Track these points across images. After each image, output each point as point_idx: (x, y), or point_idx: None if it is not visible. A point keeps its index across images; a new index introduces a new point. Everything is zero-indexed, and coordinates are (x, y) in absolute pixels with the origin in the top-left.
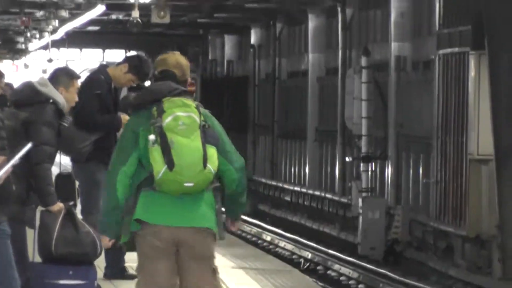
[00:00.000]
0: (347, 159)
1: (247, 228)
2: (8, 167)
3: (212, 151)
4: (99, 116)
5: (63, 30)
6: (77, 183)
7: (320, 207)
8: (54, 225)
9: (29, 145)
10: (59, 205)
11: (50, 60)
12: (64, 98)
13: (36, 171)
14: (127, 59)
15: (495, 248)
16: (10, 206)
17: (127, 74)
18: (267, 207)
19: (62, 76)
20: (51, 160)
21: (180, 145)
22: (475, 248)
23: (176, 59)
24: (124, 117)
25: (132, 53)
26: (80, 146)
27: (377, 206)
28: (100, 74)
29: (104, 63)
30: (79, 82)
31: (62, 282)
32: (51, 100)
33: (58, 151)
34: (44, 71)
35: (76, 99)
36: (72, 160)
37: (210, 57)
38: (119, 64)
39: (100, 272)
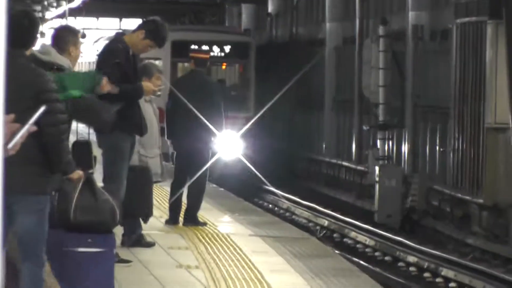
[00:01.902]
0: (364, 127)
1: (264, 195)
2: (23, 131)
3: None
4: (120, 86)
5: None
6: (98, 151)
7: (337, 175)
8: (73, 193)
9: (42, 108)
10: (78, 173)
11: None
12: (74, 57)
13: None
14: (143, 25)
15: None
16: (56, 177)
17: (144, 40)
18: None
19: (68, 35)
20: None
21: None
22: (492, 217)
23: None
24: (146, 85)
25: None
26: (104, 116)
27: (393, 174)
28: (117, 43)
29: (121, 31)
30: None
31: (80, 249)
32: (55, 67)
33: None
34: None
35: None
36: (96, 130)
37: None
38: (135, 30)
39: (118, 240)
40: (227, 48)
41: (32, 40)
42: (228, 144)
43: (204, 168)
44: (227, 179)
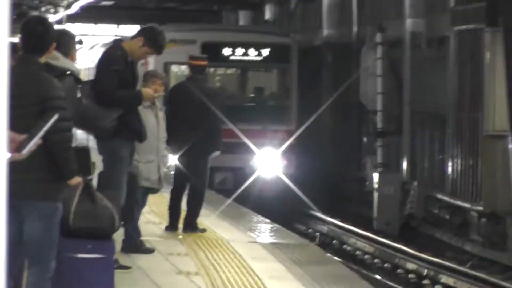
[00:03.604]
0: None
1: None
2: (36, 139)
3: None
4: (119, 92)
5: (77, 5)
6: (97, 157)
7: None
8: (72, 199)
9: (55, 117)
10: (77, 179)
11: None
12: (74, 61)
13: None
14: (142, 32)
15: (510, 224)
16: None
17: (143, 47)
18: None
19: (70, 40)
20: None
21: None
22: (490, 224)
23: None
24: (145, 90)
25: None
26: (104, 123)
27: (392, 181)
28: (116, 50)
29: (119, 37)
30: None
31: (80, 255)
32: (68, 72)
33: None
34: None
35: None
36: (96, 136)
37: None
38: (134, 37)
39: (117, 246)
40: (265, 51)
41: (46, 46)
42: (267, 161)
43: (204, 174)
44: (265, 200)
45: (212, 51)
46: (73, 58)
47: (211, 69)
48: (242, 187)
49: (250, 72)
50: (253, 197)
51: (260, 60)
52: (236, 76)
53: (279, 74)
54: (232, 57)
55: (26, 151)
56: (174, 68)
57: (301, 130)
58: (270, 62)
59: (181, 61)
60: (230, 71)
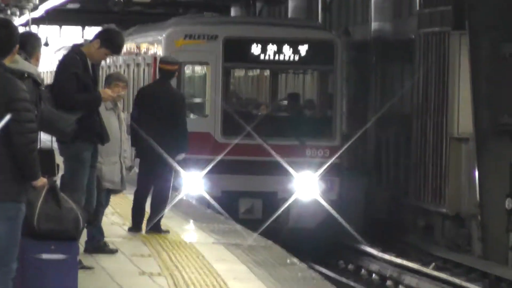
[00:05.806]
0: None
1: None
2: None
3: None
4: (78, 95)
5: (43, 8)
6: (60, 159)
7: None
8: (37, 200)
9: (7, 117)
10: (42, 180)
11: None
12: (38, 62)
13: None
14: (98, 35)
15: (475, 226)
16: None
17: (100, 49)
18: None
19: (36, 40)
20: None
21: None
22: (454, 226)
23: None
24: (104, 91)
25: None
26: (64, 126)
27: (358, 184)
28: (74, 54)
29: (79, 42)
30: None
31: (44, 256)
32: (25, 75)
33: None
34: None
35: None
36: (58, 140)
37: None
38: (91, 40)
39: (80, 247)
40: (303, 49)
41: (9, 49)
42: (305, 184)
43: (168, 175)
44: (300, 233)
45: (237, 49)
46: (37, 59)
47: (235, 71)
48: (273, 217)
49: (283, 75)
50: (286, 228)
51: (297, 60)
52: (267, 79)
53: (320, 78)
54: (262, 56)
55: None
56: (188, 69)
57: (346, 146)
58: (309, 62)
59: (198, 60)
60: (259, 72)
